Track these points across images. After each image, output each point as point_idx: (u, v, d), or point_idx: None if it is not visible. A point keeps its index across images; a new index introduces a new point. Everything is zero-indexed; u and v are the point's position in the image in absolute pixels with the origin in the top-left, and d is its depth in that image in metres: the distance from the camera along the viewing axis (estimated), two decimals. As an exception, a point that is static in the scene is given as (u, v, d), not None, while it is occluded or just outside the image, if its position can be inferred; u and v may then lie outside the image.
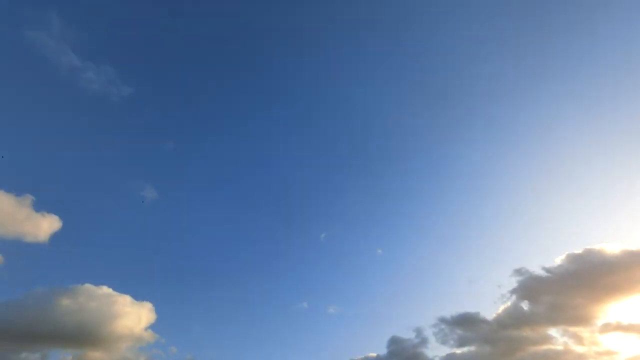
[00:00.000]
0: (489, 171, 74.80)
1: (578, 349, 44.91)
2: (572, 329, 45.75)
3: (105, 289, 41.16)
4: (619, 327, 43.68)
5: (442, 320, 49.13)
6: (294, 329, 55.49)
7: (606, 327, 44.73)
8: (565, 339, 45.98)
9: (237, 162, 70.90)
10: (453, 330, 48.48)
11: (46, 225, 38.84)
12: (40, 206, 39.34)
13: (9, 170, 40.76)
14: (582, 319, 45.01)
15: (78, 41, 44.68)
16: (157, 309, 43.22)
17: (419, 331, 49.05)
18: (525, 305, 47.62)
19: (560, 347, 45.30)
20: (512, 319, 46.94)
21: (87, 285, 40.46)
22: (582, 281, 43.36)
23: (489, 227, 70.17)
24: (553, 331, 46.74)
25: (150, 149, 56.21)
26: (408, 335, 52.19)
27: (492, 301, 61.75)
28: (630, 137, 66.98)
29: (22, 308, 37.09)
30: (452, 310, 56.97)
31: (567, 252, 47.78)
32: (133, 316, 41.14)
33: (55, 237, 39.98)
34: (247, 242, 62.92)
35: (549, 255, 75.24)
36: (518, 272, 48.41)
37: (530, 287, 46.35)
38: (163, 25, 61.75)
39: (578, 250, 46.90)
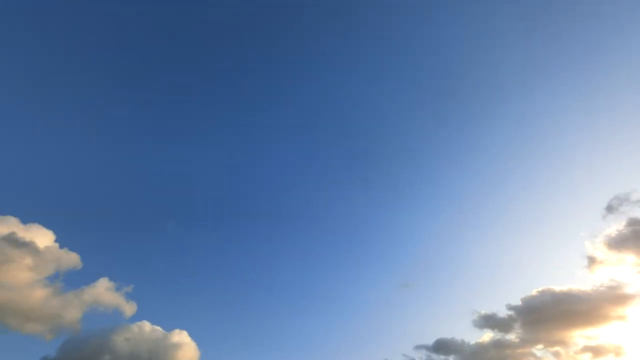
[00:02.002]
0: (479, 189, 77.19)
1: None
2: (552, 349, 50.32)
3: (158, 328, 49.27)
4: (588, 349, 47.43)
5: (422, 346, 52.92)
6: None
7: (578, 351, 48.49)
8: (548, 356, 50.73)
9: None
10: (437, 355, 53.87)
11: (129, 310, 50.73)
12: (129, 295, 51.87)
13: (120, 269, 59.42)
14: (556, 344, 49.33)
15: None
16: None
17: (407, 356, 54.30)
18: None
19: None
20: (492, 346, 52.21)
21: (144, 322, 48.64)
22: (543, 316, 49.00)
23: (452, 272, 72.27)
24: (535, 349, 51.56)
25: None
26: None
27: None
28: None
29: (81, 343, 46.83)
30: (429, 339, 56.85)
31: (523, 295, 52.50)
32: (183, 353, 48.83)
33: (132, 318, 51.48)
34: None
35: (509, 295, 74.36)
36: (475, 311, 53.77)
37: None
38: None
39: (531, 292, 51.95)
